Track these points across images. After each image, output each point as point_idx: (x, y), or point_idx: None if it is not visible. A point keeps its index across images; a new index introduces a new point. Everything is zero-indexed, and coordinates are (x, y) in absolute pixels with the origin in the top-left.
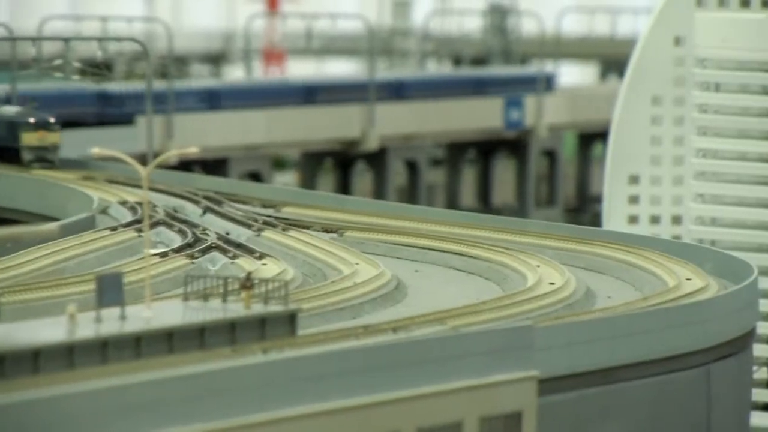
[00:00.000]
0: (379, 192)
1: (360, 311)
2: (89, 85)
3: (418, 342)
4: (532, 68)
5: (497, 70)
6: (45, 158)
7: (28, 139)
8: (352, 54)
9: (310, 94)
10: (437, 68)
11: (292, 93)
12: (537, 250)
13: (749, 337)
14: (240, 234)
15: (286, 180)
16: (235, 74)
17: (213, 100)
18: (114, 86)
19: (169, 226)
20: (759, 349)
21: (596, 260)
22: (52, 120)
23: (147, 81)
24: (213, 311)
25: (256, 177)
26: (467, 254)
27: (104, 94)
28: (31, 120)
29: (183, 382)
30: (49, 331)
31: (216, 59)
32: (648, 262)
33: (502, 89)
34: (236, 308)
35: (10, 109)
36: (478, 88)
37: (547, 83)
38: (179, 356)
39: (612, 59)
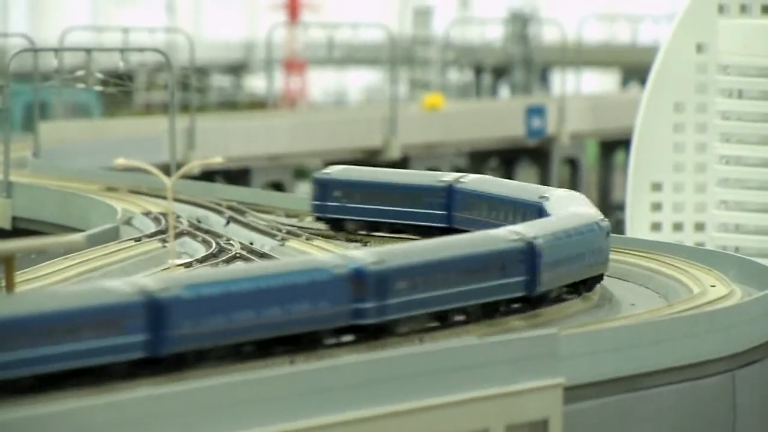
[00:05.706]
0: None
1: None
2: None
3: (444, 351)
4: None
5: None
6: None
7: None
8: (374, 63)
9: None
10: (459, 77)
11: None
12: None
13: None
14: (264, 244)
15: (309, 190)
16: (256, 84)
17: None
18: None
19: (193, 237)
20: None
21: (620, 267)
22: None
23: (169, 91)
24: None
25: (278, 187)
26: None
27: None
28: None
29: (213, 391)
30: None
31: (237, 69)
32: (672, 269)
33: None
34: None
35: None
36: None
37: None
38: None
39: (633, 67)
